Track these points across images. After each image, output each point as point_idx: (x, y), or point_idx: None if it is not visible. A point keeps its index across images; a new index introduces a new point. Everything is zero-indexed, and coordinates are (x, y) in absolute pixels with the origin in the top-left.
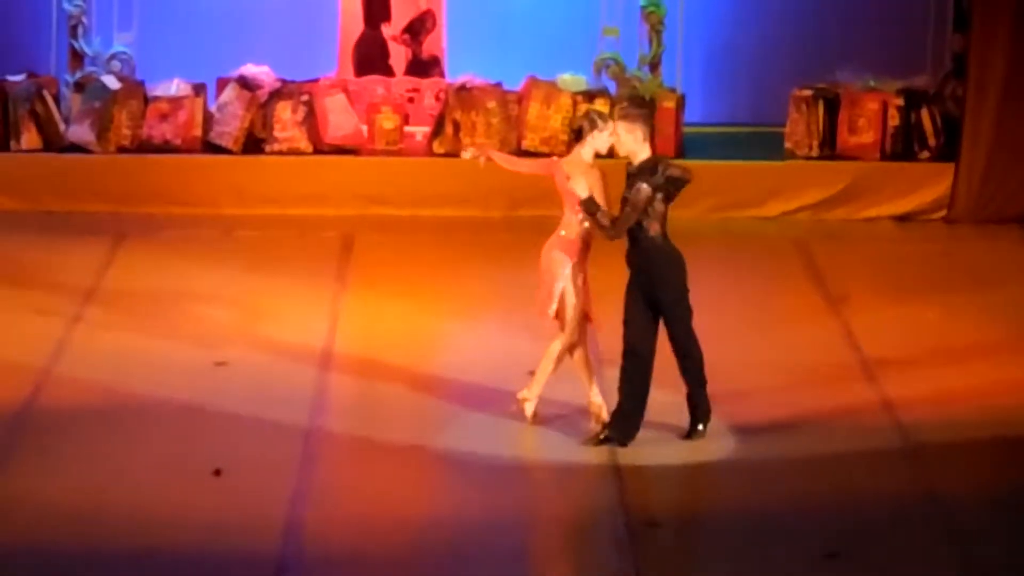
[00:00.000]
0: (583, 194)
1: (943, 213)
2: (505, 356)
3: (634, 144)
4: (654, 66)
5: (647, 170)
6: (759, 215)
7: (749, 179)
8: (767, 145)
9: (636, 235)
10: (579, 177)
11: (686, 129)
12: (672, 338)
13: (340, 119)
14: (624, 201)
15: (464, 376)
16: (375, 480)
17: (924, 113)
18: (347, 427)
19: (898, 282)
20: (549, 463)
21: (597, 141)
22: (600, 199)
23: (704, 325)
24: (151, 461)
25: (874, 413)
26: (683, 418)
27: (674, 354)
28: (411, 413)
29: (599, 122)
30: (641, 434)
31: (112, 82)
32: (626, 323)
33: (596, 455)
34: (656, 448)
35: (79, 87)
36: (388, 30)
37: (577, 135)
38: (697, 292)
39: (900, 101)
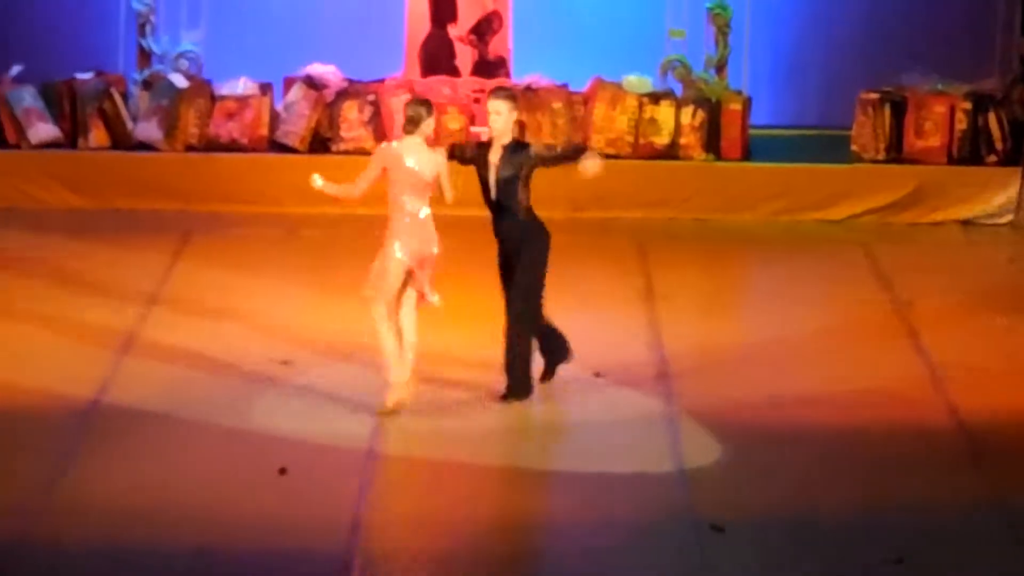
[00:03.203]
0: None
1: (1010, 218)
2: (574, 359)
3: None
4: (720, 68)
5: (522, 144)
6: (825, 218)
7: (815, 182)
8: (833, 148)
9: (511, 204)
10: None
11: (752, 131)
12: (509, 304)
13: None
14: (541, 158)
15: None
16: (439, 479)
17: (991, 117)
18: (411, 425)
19: (965, 287)
20: (613, 466)
21: (429, 128)
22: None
23: (768, 329)
24: (217, 459)
25: (940, 418)
26: (730, 421)
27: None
28: (474, 412)
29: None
30: (702, 439)
31: (180, 81)
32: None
33: (660, 461)
34: (719, 452)
35: (147, 85)
36: (454, 30)
37: (412, 124)
38: (762, 295)
39: (967, 104)
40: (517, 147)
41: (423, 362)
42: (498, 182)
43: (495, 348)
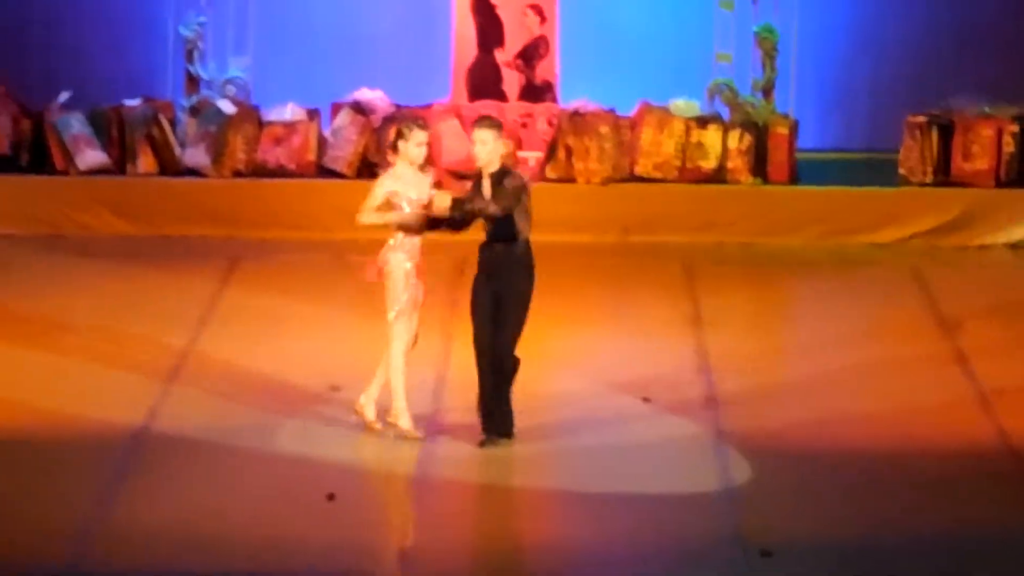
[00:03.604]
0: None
1: None
2: (620, 382)
3: (495, 151)
4: (767, 91)
5: (508, 172)
6: (872, 241)
7: (863, 205)
8: (881, 171)
9: (507, 232)
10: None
11: (799, 155)
12: (498, 344)
13: (453, 144)
14: (500, 189)
15: (578, 401)
16: (490, 506)
17: None
18: (461, 452)
19: (1013, 309)
20: (661, 490)
21: (409, 152)
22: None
23: (816, 352)
24: (266, 485)
25: (989, 440)
26: (778, 444)
27: (488, 360)
28: (523, 439)
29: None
30: (750, 462)
31: (227, 107)
32: (483, 323)
33: (708, 484)
34: (767, 475)
35: (195, 111)
36: (501, 55)
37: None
38: (809, 318)
39: (1015, 127)
40: (503, 175)
41: (471, 387)
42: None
43: (540, 374)
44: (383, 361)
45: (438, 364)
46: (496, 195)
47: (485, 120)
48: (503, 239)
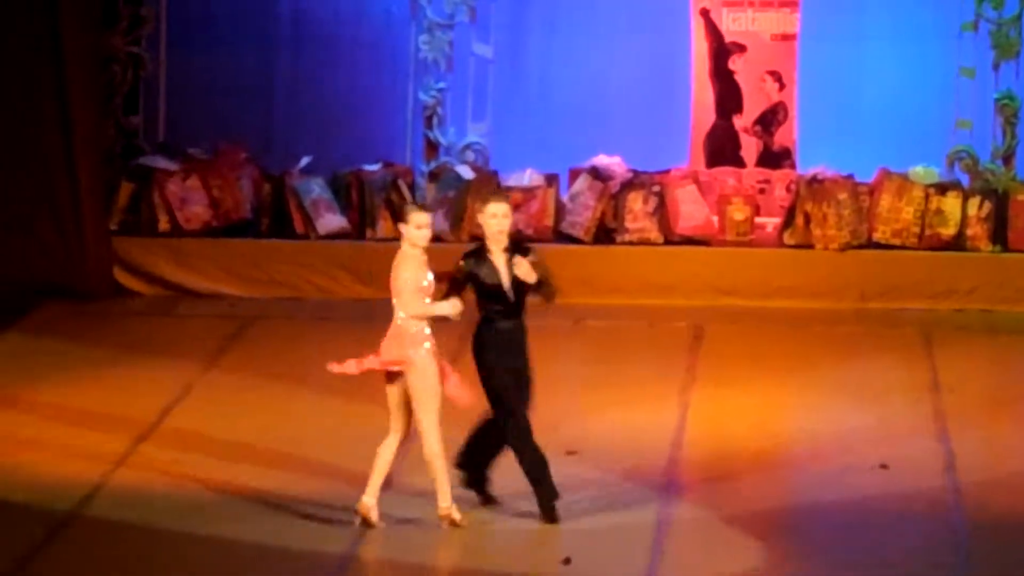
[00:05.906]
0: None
1: None
2: (858, 451)
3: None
4: (1007, 159)
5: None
6: None
7: None
8: None
9: (523, 306)
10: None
11: None
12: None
13: (691, 210)
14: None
15: (814, 470)
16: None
17: None
18: (697, 519)
19: None
20: (896, 556)
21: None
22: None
23: None
24: (503, 550)
25: None
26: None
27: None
28: (762, 507)
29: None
30: (992, 534)
31: (466, 172)
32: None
33: (946, 555)
34: (1009, 548)
35: (433, 177)
36: (740, 122)
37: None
38: None
39: None
40: (516, 248)
41: (707, 454)
42: (513, 285)
43: (776, 440)
44: (381, 457)
45: (674, 430)
46: (538, 268)
47: (500, 193)
48: (519, 315)
